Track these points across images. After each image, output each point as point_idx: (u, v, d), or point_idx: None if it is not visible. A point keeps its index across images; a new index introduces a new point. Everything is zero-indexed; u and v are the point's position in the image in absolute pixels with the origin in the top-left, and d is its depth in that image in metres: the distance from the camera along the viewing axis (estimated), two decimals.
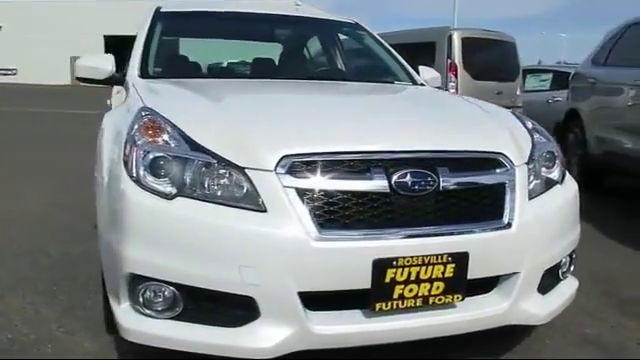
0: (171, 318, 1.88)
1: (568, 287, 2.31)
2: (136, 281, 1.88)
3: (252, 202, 1.82)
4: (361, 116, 2.32)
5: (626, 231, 3.97)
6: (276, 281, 1.78)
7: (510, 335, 2.37)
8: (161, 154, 1.92)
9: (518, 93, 8.30)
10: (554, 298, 2.20)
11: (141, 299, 1.89)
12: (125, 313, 1.95)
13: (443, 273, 1.89)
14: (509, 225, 1.98)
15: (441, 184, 1.91)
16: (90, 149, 2.53)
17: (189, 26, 3.55)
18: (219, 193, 1.85)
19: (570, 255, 2.30)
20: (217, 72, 3.38)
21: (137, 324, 1.90)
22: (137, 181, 1.90)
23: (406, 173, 1.88)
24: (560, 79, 9.23)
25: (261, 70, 3.48)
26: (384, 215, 1.86)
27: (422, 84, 3.38)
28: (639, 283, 3.21)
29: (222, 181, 1.86)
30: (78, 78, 3.19)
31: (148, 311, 1.90)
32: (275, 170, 1.83)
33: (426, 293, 1.89)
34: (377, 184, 1.86)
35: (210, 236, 1.80)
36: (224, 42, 3.74)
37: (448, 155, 2.01)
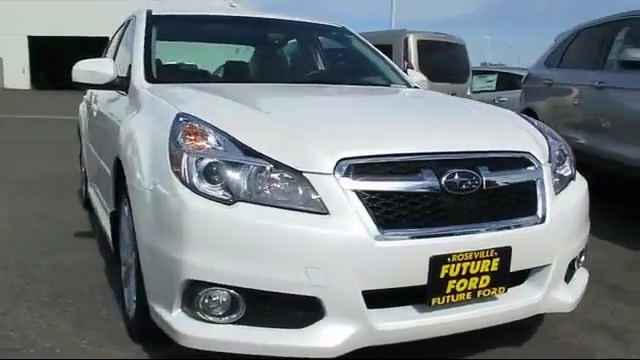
0: (232, 322, 1.89)
1: (583, 276, 2.48)
2: (195, 287, 1.88)
3: (314, 205, 1.85)
4: (399, 119, 2.40)
5: (599, 225, 4.24)
6: (342, 281, 1.82)
7: (523, 326, 2.50)
8: (215, 160, 1.93)
9: (468, 94, 8.64)
10: (576, 286, 2.36)
11: (200, 305, 1.89)
12: (179, 320, 1.94)
13: (489, 267, 1.99)
14: (543, 219, 2.12)
15: (484, 182, 2.01)
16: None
17: (183, 30, 3.51)
18: (278, 197, 1.87)
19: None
20: (230, 76, 3.36)
21: (195, 330, 1.90)
22: (192, 188, 1.90)
23: (454, 173, 1.97)
24: (505, 80, 9.67)
25: (273, 74, 3.49)
26: (436, 214, 1.94)
27: (415, 87, 3.50)
28: (622, 272, 3.46)
29: (280, 185, 1.89)
30: (76, 83, 3.10)
31: (207, 316, 1.90)
32: (334, 173, 1.88)
33: (475, 287, 1.99)
34: (429, 184, 1.94)
35: (275, 239, 1.82)
36: (214, 46, 3.73)
37: (486, 155, 2.11)
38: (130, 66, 3.04)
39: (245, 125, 2.08)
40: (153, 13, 3.45)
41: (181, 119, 2.12)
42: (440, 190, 1.95)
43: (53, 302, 2.87)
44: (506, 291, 2.06)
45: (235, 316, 1.89)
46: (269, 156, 1.91)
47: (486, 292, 2.02)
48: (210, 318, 1.90)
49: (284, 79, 3.35)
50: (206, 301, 1.89)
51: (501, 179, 2.07)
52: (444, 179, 1.95)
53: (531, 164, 2.19)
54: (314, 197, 1.86)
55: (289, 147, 1.95)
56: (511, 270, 2.04)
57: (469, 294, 1.99)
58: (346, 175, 1.88)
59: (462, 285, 1.96)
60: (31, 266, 3.38)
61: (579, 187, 2.44)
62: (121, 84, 2.99)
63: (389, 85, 3.45)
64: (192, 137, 2.01)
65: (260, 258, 1.83)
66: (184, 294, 1.91)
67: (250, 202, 1.87)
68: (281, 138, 2.00)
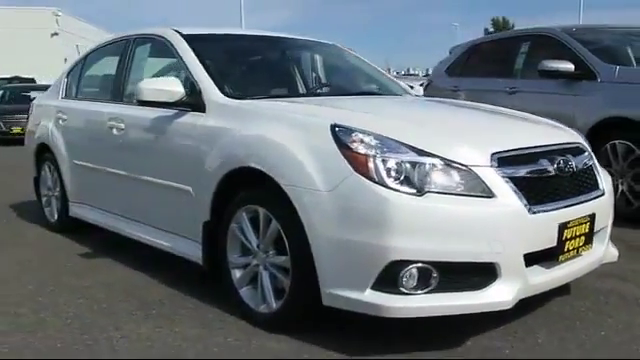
0: (427, 292, 2.30)
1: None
2: (396, 266, 2.26)
3: (483, 190, 2.34)
4: (496, 123, 3.00)
5: None
6: (512, 248, 2.34)
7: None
8: (398, 160, 2.32)
9: None
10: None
11: (401, 280, 2.27)
12: (377, 296, 2.30)
13: (584, 230, 2.64)
14: (603, 192, 2.82)
15: (574, 166, 2.66)
16: None
17: (218, 48, 3.70)
18: (454, 186, 2.33)
19: None
20: (293, 91, 3.65)
21: (396, 302, 2.28)
22: (383, 184, 2.28)
23: (560, 160, 2.59)
24: None
25: (328, 87, 3.84)
26: (556, 191, 2.54)
27: (416, 95, 4.10)
28: None
29: (454, 177, 2.34)
30: (143, 101, 3.20)
31: (405, 290, 2.29)
32: (490, 165, 2.39)
33: (577, 245, 2.62)
34: (548, 169, 2.54)
35: (461, 220, 2.28)
36: None
37: (566, 146, 2.77)
38: (192, 85, 3.21)
39: (394, 130, 2.49)
40: (185, 32, 3.62)
41: (337, 129, 2.47)
42: (555, 173, 2.55)
43: (159, 315, 2.97)
44: (591, 248, 2.72)
45: (430, 286, 2.30)
46: (440, 155, 2.36)
47: (582, 249, 2.66)
48: (408, 291, 2.29)
49: (339, 92, 3.79)
50: (406, 276, 2.28)
51: (579, 163, 2.73)
52: (555, 165, 2.56)
53: (585, 151, 2.89)
54: (482, 184, 2.35)
55: (445, 147, 2.41)
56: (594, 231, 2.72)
57: (575, 252, 2.61)
58: (498, 165, 2.40)
59: (572, 245, 2.58)
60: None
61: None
62: (193, 103, 3.15)
63: (402, 95, 3.98)
64: (362, 143, 2.38)
65: (449, 236, 2.27)
66: (383, 274, 2.27)
67: (433, 192, 2.30)
68: (433, 140, 2.44)
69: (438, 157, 2.35)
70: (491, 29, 53.73)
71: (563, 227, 2.50)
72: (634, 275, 3.44)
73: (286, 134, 2.61)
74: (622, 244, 3.48)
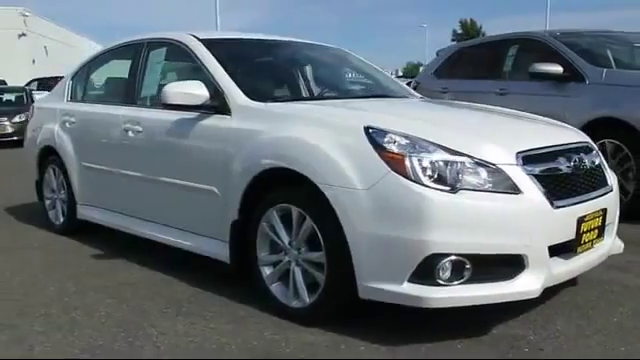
0: (461, 283, 2.45)
1: None
2: (434, 259, 2.40)
3: (511, 187, 2.50)
4: (512, 125, 3.16)
5: None
6: (538, 240, 2.51)
7: None
8: (432, 159, 2.47)
9: None
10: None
11: (439, 272, 2.42)
12: (414, 288, 2.44)
13: (598, 223, 2.83)
14: (612, 189, 3.02)
15: (587, 164, 2.85)
16: None
17: (234, 52, 3.79)
18: (484, 184, 2.48)
19: None
20: (312, 94, 3.78)
21: (433, 293, 2.43)
22: (420, 182, 2.43)
23: (576, 158, 2.78)
24: None
25: (347, 90, 3.98)
26: (573, 187, 2.72)
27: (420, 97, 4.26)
28: None
29: (484, 175, 2.50)
30: (169, 105, 3.28)
31: (443, 281, 2.43)
32: (516, 163, 2.55)
33: (592, 238, 2.81)
34: (566, 166, 2.72)
35: (492, 215, 2.44)
36: None
37: (577, 145, 2.95)
38: (216, 89, 3.30)
39: (423, 131, 2.63)
40: (202, 37, 3.71)
41: (370, 130, 2.61)
42: (572, 170, 2.73)
43: (190, 312, 3.06)
44: (603, 240, 2.92)
45: (463, 277, 2.45)
46: (470, 154, 2.51)
47: (595, 242, 2.85)
48: (443, 282, 2.44)
49: (355, 94, 3.96)
50: (442, 269, 2.42)
51: (590, 161, 2.92)
52: (572, 163, 2.75)
53: (593, 150, 3.08)
54: (509, 181, 2.51)
55: (474, 146, 2.56)
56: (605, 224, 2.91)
57: (589, 244, 2.80)
58: (523, 164, 2.57)
59: (588, 237, 2.77)
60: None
61: None
62: (217, 105, 3.25)
63: (407, 97, 4.14)
64: (396, 143, 2.53)
65: (481, 230, 2.43)
66: (421, 266, 2.42)
67: (465, 189, 2.45)
68: (461, 140, 2.60)
69: (468, 156, 2.51)
70: (459, 31, 54.67)
71: (581, 221, 2.68)
72: (632, 266, 3.66)
73: (319, 135, 2.73)
74: None
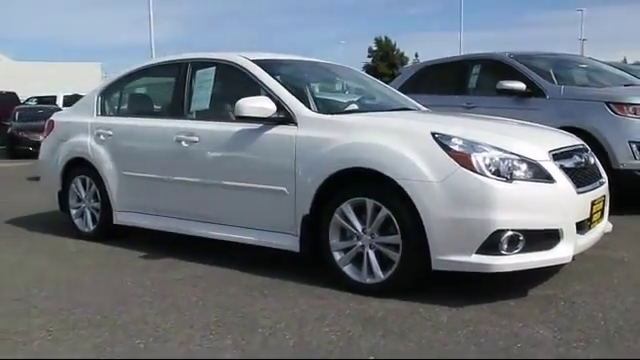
0: (518, 252, 3.15)
1: None
2: (498, 234, 3.10)
3: (547, 177, 3.24)
4: (531, 131, 3.91)
5: None
6: (569, 218, 3.27)
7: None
8: (490, 156, 3.17)
9: None
10: None
11: (503, 245, 3.11)
12: (482, 258, 3.12)
13: (601, 207, 3.64)
14: (605, 181, 3.85)
15: (590, 160, 3.66)
16: None
17: (283, 71, 4.36)
18: (528, 175, 3.21)
19: None
20: (364, 106, 4.43)
21: (497, 260, 3.12)
22: (484, 175, 3.12)
23: (584, 156, 3.59)
24: None
25: (380, 104, 4.63)
26: (585, 178, 3.52)
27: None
28: None
29: (527, 169, 3.22)
30: (241, 117, 3.80)
31: (504, 252, 3.13)
32: (549, 159, 3.31)
33: (597, 219, 3.61)
34: (579, 162, 3.52)
35: (538, 199, 3.18)
36: None
37: (580, 146, 3.77)
38: (277, 103, 3.86)
39: (475, 136, 3.33)
40: (253, 58, 4.26)
41: (437, 135, 3.28)
42: (583, 165, 3.53)
43: (273, 294, 3.57)
44: (603, 221, 3.73)
45: (518, 248, 3.15)
46: (516, 152, 3.24)
47: (599, 221, 3.65)
48: (504, 252, 3.13)
49: (388, 107, 4.63)
50: (503, 241, 3.11)
51: (588, 158, 3.74)
52: (582, 159, 3.56)
53: (587, 150, 3.91)
54: (546, 173, 3.25)
55: (517, 147, 3.29)
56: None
57: (596, 223, 3.60)
58: (553, 160, 3.33)
59: (595, 217, 3.57)
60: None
61: None
62: (283, 117, 3.81)
63: (417, 110, 4.85)
64: (459, 145, 3.21)
65: (530, 210, 3.16)
66: (488, 240, 3.10)
67: (516, 179, 3.17)
68: (505, 142, 3.32)
69: (515, 154, 3.23)
70: (374, 47, 56.84)
71: (592, 204, 3.48)
72: (609, 244, 4.50)
73: (392, 140, 3.38)
74: None
